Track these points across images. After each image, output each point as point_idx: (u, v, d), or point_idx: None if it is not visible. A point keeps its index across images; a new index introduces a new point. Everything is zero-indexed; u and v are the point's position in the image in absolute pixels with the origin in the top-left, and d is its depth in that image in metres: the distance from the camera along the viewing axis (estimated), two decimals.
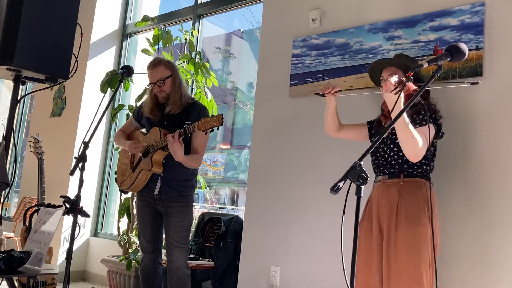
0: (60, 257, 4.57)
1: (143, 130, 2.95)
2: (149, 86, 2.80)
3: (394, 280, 2.01)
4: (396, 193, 2.10)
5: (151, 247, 2.80)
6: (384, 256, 2.08)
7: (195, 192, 2.90)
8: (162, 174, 2.70)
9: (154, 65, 2.76)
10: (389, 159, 2.17)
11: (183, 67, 3.95)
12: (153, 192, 2.72)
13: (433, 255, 2.01)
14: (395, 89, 1.88)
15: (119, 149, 3.15)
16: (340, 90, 2.27)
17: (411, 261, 1.99)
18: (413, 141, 1.98)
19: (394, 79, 1.97)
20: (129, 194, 3.99)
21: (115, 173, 2.99)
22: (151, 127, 2.79)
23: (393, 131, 2.13)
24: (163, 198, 2.71)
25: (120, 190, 2.96)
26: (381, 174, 2.21)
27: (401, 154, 2.12)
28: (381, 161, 2.21)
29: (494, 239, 2.26)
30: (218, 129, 2.43)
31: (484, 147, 2.35)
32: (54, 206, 2.79)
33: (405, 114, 1.94)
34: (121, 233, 4.06)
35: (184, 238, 2.71)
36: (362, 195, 1.41)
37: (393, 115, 1.95)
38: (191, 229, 2.86)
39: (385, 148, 2.20)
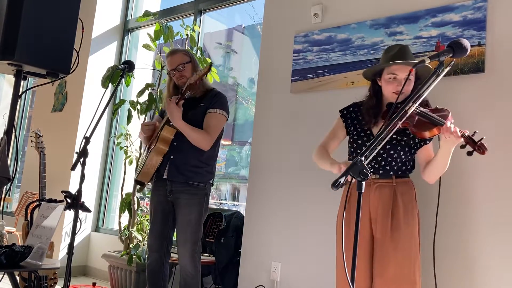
0: (62, 252, 4.59)
1: None
2: (169, 73, 2.80)
3: (392, 280, 1.98)
4: (390, 195, 2.07)
5: (157, 245, 2.70)
6: (377, 256, 2.04)
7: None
8: (172, 157, 2.64)
9: (172, 52, 2.82)
10: (383, 163, 2.10)
11: None
12: (163, 176, 2.65)
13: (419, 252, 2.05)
14: (465, 145, 1.82)
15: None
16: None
17: (407, 262, 2.00)
18: (444, 171, 2.02)
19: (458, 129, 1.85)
20: (130, 189, 4.00)
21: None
22: None
23: (394, 136, 2.06)
24: (173, 190, 2.64)
25: (135, 181, 2.84)
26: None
27: (398, 160, 2.09)
28: (371, 162, 2.12)
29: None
30: (209, 73, 2.67)
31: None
32: (55, 201, 2.79)
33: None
34: (122, 228, 4.06)
35: (191, 233, 2.59)
36: (363, 191, 1.41)
37: (441, 158, 1.96)
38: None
39: (380, 151, 2.09)
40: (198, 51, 4.03)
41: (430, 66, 1.95)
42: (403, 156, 2.10)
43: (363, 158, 1.41)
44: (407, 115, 1.75)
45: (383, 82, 2.12)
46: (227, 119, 2.74)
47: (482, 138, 1.78)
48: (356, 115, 2.23)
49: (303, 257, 2.94)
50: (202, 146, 2.62)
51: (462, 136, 1.80)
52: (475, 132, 1.80)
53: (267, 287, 3.06)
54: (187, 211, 2.61)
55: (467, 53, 1.68)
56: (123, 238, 3.98)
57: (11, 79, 2.31)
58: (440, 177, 2.10)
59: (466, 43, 1.65)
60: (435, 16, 2.60)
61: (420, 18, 2.66)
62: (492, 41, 2.40)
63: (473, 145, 1.78)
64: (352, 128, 2.22)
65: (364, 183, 1.40)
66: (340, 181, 1.38)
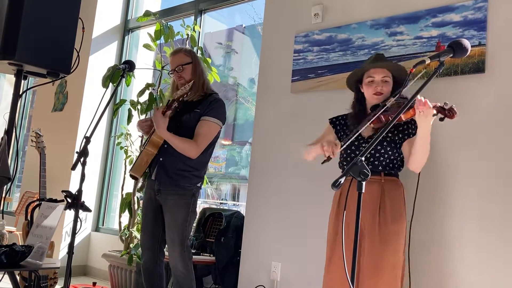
0: (62, 251, 4.59)
1: None
2: (170, 74, 2.79)
3: (377, 274, 2.05)
4: (378, 190, 2.14)
5: (148, 243, 2.70)
6: (365, 250, 2.11)
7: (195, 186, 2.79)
8: (161, 159, 2.64)
9: (175, 52, 2.78)
10: (371, 159, 2.18)
11: None
12: (151, 177, 2.67)
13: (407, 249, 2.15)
14: (437, 114, 1.91)
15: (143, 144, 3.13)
16: (342, 146, 2.16)
17: (392, 257, 2.07)
18: (427, 154, 2.07)
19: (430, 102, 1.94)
20: (131, 189, 4.00)
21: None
22: None
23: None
24: (162, 190, 2.63)
25: (130, 175, 2.86)
26: None
27: (386, 156, 2.18)
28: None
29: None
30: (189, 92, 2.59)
31: (484, 144, 2.34)
32: (55, 201, 2.80)
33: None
34: (122, 228, 4.07)
35: (178, 234, 2.57)
36: (363, 190, 1.41)
37: (422, 137, 2.01)
38: (192, 225, 2.72)
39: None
40: (199, 51, 4.03)
41: (405, 68, 2.27)
42: (390, 152, 2.18)
43: (363, 158, 1.42)
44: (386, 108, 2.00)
45: (364, 86, 2.26)
46: (221, 127, 2.71)
47: (452, 105, 1.89)
48: (345, 122, 2.37)
49: (303, 257, 2.94)
50: (188, 155, 2.59)
51: (434, 106, 1.91)
52: (445, 103, 1.91)
53: (267, 287, 3.06)
54: (173, 211, 2.60)
55: (468, 53, 1.68)
56: (123, 237, 3.98)
57: (12, 78, 2.32)
58: (419, 174, 2.18)
59: (467, 43, 1.66)
60: (436, 16, 2.60)
61: (420, 18, 2.66)
62: (492, 41, 2.40)
63: (443, 111, 1.89)
64: (342, 133, 2.36)
65: (364, 183, 1.41)
66: (340, 181, 1.39)
